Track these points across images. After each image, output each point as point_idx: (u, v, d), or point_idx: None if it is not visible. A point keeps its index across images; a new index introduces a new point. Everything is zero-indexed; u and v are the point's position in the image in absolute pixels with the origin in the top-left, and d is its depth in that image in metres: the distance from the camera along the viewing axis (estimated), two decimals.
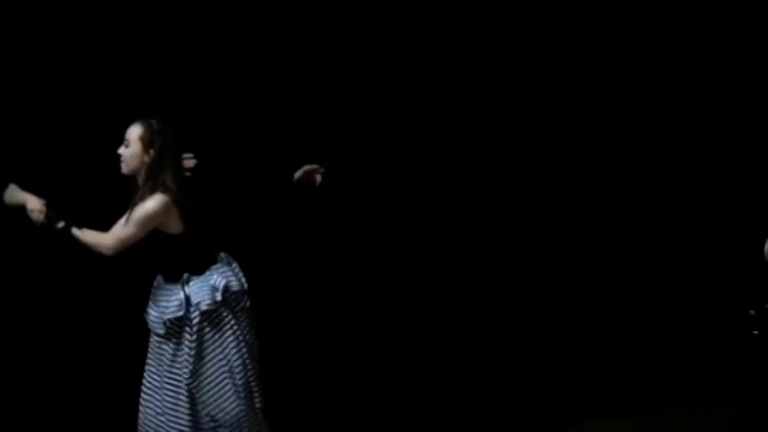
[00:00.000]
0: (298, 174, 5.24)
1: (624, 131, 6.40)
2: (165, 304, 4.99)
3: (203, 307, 4.95)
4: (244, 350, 5.02)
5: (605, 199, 6.42)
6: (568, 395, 6.12)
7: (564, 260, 6.45)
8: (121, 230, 4.90)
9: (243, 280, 5.09)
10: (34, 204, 5.02)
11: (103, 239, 4.94)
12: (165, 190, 4.87)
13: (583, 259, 6.47)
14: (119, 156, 4.95)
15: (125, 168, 4.96)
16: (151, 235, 4.91)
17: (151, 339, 5.08)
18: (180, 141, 4.97)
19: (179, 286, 4.98)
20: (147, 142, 4.91)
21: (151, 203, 4.85)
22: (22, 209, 5.03)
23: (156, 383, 5.04)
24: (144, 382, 5.10)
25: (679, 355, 6.44)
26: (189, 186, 4.99)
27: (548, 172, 6.40)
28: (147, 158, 4.91)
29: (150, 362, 5.09)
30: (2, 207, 5.11)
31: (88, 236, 4.98)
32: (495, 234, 6.39)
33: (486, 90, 6.34)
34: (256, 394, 5.04)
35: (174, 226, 4.94)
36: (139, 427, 5.09)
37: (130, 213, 4.87)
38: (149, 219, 4.87)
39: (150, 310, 5.05)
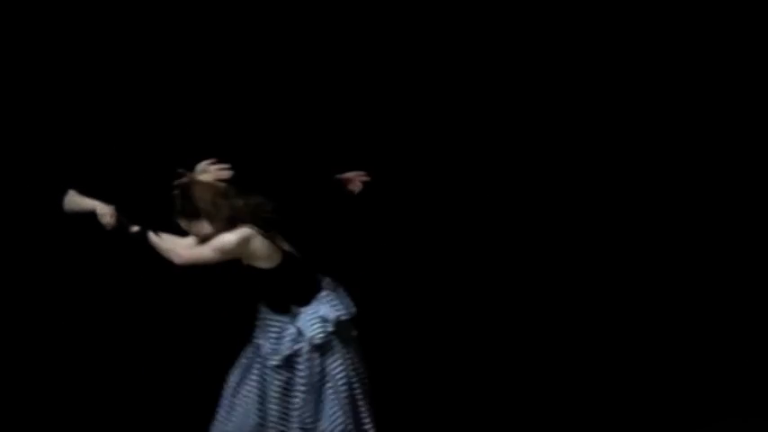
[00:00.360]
0: (342, 177, 5.07)
1: (644, 133, 6.32)
2: (276, 337, 4.87)
3: (316, 341, 4.83)
4: (354, 378, 4.91)
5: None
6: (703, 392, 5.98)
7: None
8: (200, 249, 4.78)
9: (350, 306, 4.97)
10: (104, 209, 4.87)
11: (179, 249, 4.83)
12: (245, 221, 4.75)
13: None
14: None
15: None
16: (248, 270, 4.80)
17: (249, 360, 4.95)
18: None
19: (288, 319, 4.87)
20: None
21: (231, 236, 4.72)
22: (86, 215, 4.88)
23: (254, 404, 4.91)
24: (233, 397, 4.97)
25: None
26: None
27: (584, 180, 6.32)
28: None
29: (252, 383, 4.94)
30: (62, 214, 4.95)
31: (165, 241, 4.85)
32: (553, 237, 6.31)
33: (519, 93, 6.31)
34: (367, 422, 4.95)
35: (267, 260, 4.80)
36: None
37: (212, 219, 4.74)
38: (226, 251, 4.74)
39: (260, 341, 4.93)
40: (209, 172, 4.86)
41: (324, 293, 4.90)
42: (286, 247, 4.84)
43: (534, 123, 6.28)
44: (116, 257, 5.68)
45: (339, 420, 4.83)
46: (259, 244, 4.76)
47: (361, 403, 4.91)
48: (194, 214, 4.74)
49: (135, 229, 4.85)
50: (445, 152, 6.24)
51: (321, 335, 4.81)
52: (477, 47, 6.13)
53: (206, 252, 4.76)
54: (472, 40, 6.11)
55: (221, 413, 4.99)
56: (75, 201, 4.93)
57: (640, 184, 6.28)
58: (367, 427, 4.92)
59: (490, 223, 6.28)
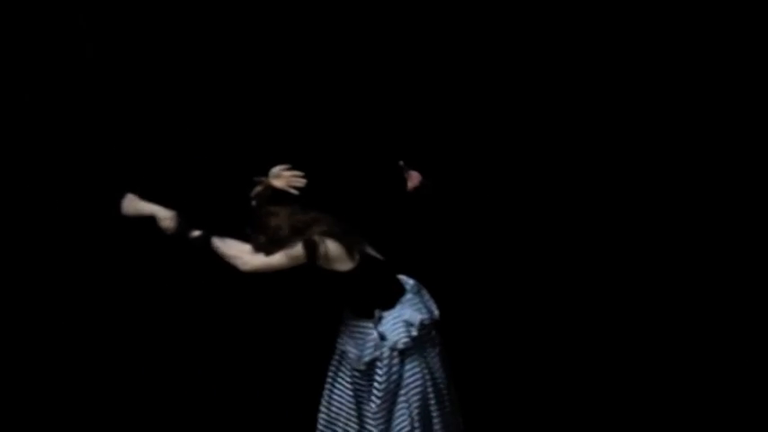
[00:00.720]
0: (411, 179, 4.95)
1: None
2: (362, 343, 4.79)
3: (400, 346, 4.74)
4: (430, 387, 4.79)
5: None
6: None
7: None
8: (269, 258, 4.69)
9: (434, 309, 4.88)
10: (164, 213, 4.78)
11: (245, 256, 4.74)
12: (317, 230, 4.66)
13: None
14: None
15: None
16: (328, 275, 4.71)
17: (340, 366, 4.90)
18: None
19: (371, 324, 4.77)
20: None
21: (300, 248, 4.64)
22: (145, 220, 4.79)
23: (349, 410, 4.88)
24: (330, 405, 4.93)
25: None
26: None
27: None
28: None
29: (343, 390, 4.89)
30: (120, 217, 4.85)
31: (230, 247, 4.75)
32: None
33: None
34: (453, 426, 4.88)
35: (342, 262, 4.71)
36: None
37: (283, 243, 4.65)
38: (294, 256, 4.66)
39: (349, 347, 4.84)
40: (283, 177, 4.77)
41: (408, 296, 4.81)
42: (368, 250, 4.77)
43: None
44: (186, 262, 5.57)
45: (405, 430, 4.73)
46: (331, 247, 4.66)
47: (435, 413, 4.80)
48: (273, 236, 4.67)
49: (196, 233, 4.74)
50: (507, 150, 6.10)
51: (405, 339, 4.71)
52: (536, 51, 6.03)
53: (275, 259, 4.67)
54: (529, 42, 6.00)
55: (320, 426, 4.97)
56: (134, 204, 4.83)
57: (659, 185, 6.13)
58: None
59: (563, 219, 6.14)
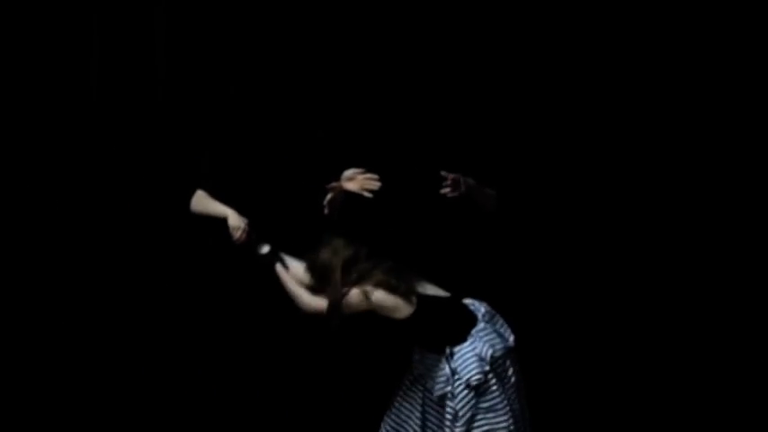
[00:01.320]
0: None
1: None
2: (434, 375, 4.67)
3: (473, 382, 4.58)
4: (510, 416, 4.64)
5: None
6: None
7: None
8: (328, 305, 4.61)
9: (508, 336, 4.74)
10: (236, 221, 4.69)
11: (305, 297, 4.67)
12: (373, 283, 4.56)
13: None
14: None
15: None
16: (389, 321, 4.62)
17: (415, 383, 4.78)
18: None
19: (443, 359, 4.63)
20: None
21: (354, 296, 4.56)
22: (214, 221, 4.68)
23: (415, 427, 4.78)
24: (398, 417, 4.84)
25: None
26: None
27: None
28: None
29: (412, 406, 4.78)
30: (187, 215, 4.77)
31: (292, 283, 4.70)
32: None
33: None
34: None
35: (397, 311, 4.61)
36: None
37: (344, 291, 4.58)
38: (349, 307, 4.59)
39: (422, 373, 4.73)
40: (357, 180, 4.66)
41: (480, 326, 4.65)
42: (427, 290, 4.66)
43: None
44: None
45: None
46: (382, 297, 4.57)
47: None
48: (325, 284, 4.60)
49: (265, 250, 4.65)
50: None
51: (478, 376, 4.56)
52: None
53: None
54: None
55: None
56: (204, 203, 4.72)
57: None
58: None
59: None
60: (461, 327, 4.64)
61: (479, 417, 4.58)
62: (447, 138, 5.77)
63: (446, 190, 4.70)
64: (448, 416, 4.60)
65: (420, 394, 4.75)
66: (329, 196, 4.66)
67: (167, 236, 5.46)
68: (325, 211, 4.68)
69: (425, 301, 4.62)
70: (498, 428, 4.60)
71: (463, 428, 4.56)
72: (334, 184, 4.66)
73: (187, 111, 5.62)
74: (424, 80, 5.77)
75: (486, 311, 4.73)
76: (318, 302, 4.61)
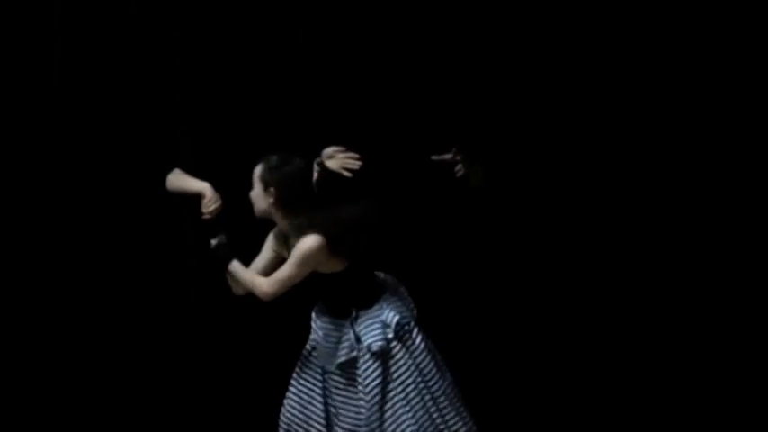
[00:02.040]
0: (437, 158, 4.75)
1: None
2: (334, 343, 4.61)
3: (374, 348, 4.54)
4: (421, 385, 4.59)
5: None
6: None
7: None
8: (278, 273, 4.52)
9: (412, 306, 4.70)
10: (212, 194, 4.62)
11: (259, 284, 4.57)
12: (314, 228, 4.47)
13: None
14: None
15: (255, 211, 4.59)
16: (310, 276, 4.53)
17: (308, 365, 4.71)
18: (307, 175, 4.60)
19: (347, 324, 4.59)
20: (265, 181, 4.52)
21: (308, 243, 4.45)
22: (186, 198, 4.65)
23: (316, 411, 4.69)
24: (293, 405, 4.75)
25: None
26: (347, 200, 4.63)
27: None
28: (270, 198, 4.52)
29: (311, 389, 4.71)
30: (164, 194, 4.74)
31: (244, 274, 4.62)
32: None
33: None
34: (453, 423, 4.62)
35: (334, 264, 4.54)
36: None
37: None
38: (307, 260, 4.48)
39: (320, 347, 4.66)
40: (336, 159, 4.65)
41: (386, 295, 4.63)
42: (360, 248, 4.61)
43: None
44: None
45: (410, 429, 4.55)
46: (326, 252, 4.53)
47: (435, 407, 4.60)
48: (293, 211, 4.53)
49: (219, 240, 4.60)
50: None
51: (380, 342, 4.54)
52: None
53: (287, 272, 4.50)
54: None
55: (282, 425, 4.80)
56: (180, 179, 4.68)
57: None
58: (454, 428, 4.62)
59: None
60: (370, 292, 4.60)
61: (387, 386, 4.54)
62: (435, 120, 5.72)
63: (458, 170, 4.70)
64: (360, 384, 4.54)
65: (319, 370, 4.69)
66: (315, 175, 4.66)
67: (149, 224, 5.53)
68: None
69: (354, 258, 4.56)
70: (410, 397, 4.55)
71: (376, 398, 4.53)
72: (317, 161, 4.66)
73: (165, 91, 5.59)
74: (408, 61, 5.74)
75: (392, 280, 4.72)
76: (274, 279, 4.52)
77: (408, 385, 4.56)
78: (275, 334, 5.55)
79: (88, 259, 5.67)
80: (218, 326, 5.74)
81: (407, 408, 4.55)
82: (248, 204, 4.59)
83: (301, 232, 4.48)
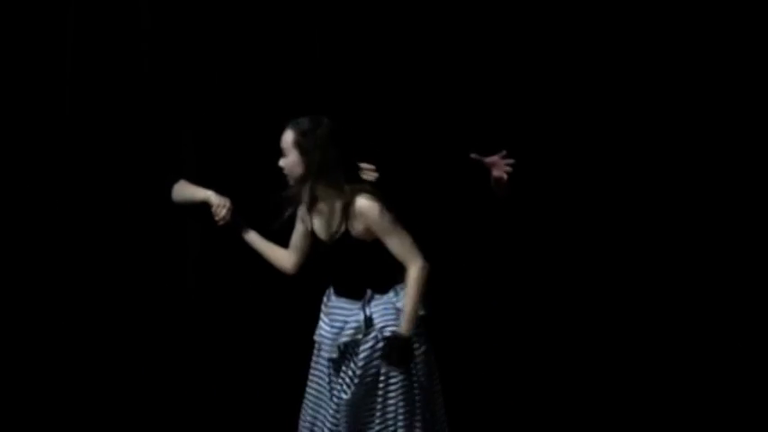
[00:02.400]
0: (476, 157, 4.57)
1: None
2: (339, 327, 4.46)
3: (386, 332, 4.38)
4: (416, 384, 4.46)
5: None
6: None
7: None
8: (400, 248, 4.40)
9: (426, 304, 4.53)
10: (218, 199, 4.56)
11: (416, 267, 4.40)
12: (360, 191, 4.36)
13: None
14: (281, 169, 4.44)
15: (291, 180, 4.43)
16: (340, 240, 4.39)
17: (317, 363, 4.60)
18: (341, 135, 4.45)
19: (358, 305, 4.43)
20: (301, 146, 4.35)
21: (371, 205, 4.35)
22: (197, 208, 4.63)
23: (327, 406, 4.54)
24: (308, 403, 4.63)
25: None
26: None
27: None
28: (307, 162, 4.35)
29: (320, 385, 4.58)
30: (171, 205, 4.74)
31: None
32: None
33: None
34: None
35: (369, 232, 4.38)
36: None
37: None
38: (386, 215, 4.37)
39: (323, 332, 4.52)
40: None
41: (401, 284, 4.46)
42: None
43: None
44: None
45: (390, 429, 4.44)
46: (372, 203, 4.40)
47: (419, 412, 4.47)
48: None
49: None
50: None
51: (393, 327, 4.37)
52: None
53: (399, 237, 4.38)
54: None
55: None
56: (185, 190, 4.66)
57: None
58: None
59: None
60: (386, 275, 4.47)
61: (379, 378, 4.41)
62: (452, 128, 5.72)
63: (500, 176, 4.54)
64: (356, 367, 4.40)
65: (326, 370, 4.54)
66: None
67: (152, 229, 5.47)
68: None
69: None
70: (399, 395, 4.43)
71: (365, 384, 4.39)
72: None
73: (170, 95, 5.57)
74: (413, 73, 5.73)
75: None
76: (411, 253, 4.38)
77: (402, 385, 4.43)
78: (289, 333, 5.49)
79: (94, 265, 5.68)
80: (228, 325, 5.79)
81: (393, 409, 4.43)
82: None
83: (339, 194, 4.37)
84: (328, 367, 4.52)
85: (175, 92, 5.57)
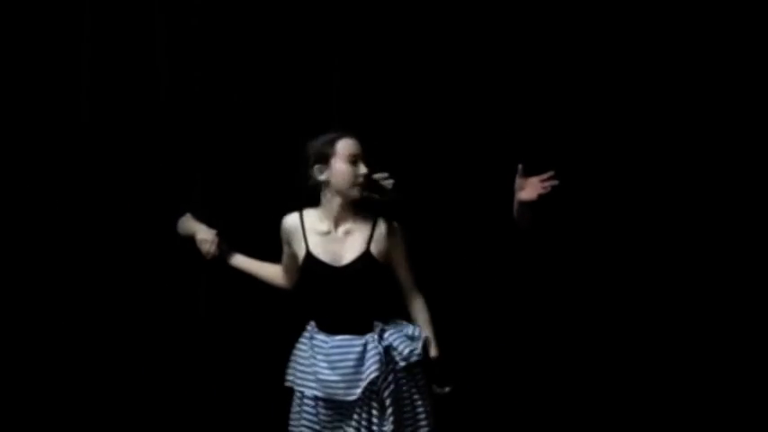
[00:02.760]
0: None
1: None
2: (353, 366, 4.30)
3: (413, 359, 4.34)
4: (421, 405, 4.45)
5: None
6: None
7: None
8: (408, 281, 4.47)
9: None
10: (205, 234, 4.66)
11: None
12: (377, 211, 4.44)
13: None
14: (367, 177, 4.38)
15: (363, 190, 4.40)
16: (358, 262, 4.32)
17: (307, 414, 4.46)
18: None
19: (367, 339, 4.31)
20: (354, 155, 4.41)
21: (400, 227, 4.42)
22: (192, 239, 4.74)
23: None
24: None
25: None
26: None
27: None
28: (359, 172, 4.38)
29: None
30: (176, 237, 4.83)
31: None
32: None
33: None
34: None
35: (387, 256, 4.41)
36: None
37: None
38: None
39: (322, 376, 4.36)
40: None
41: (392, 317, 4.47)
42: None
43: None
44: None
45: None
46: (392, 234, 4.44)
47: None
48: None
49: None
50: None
51: (419, 350, 4.33)
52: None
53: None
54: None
55: None
56: (186, 224, 4.75)
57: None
58: None
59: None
60: (390, 306, 4.45)
61: (416, 397, 4.39)
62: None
63: (545, 190, 4.30)
64: (375, 402, 4.30)
65: (313, 417, 4.43)
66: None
67: (161, 251, 5.46)
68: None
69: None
70: (423, 416, 4.41)
71: (393, 415, 4.30)
72: None
73: (183, 121, 5.52)
74: (425, 82, 5.60)
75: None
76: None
77: (417, 407, 4.43)
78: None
79: (109, 285, 5.66)
80: (230, 331, 5.73)
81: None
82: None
83: (366, 212, 4.35)
84: (330, 416, 4.39)
85: (191, 119, 5.55)
